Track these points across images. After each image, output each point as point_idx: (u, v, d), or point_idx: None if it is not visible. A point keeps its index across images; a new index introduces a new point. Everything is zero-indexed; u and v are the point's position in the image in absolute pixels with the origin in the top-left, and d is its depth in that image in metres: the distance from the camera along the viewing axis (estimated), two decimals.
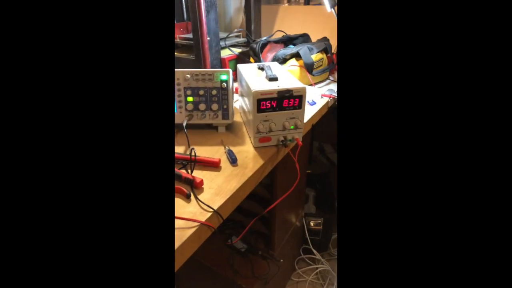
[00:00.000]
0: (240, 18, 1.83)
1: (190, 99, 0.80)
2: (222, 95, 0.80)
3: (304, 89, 0.70)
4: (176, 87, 0.80)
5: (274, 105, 0.70)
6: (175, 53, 1.47)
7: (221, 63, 1.26)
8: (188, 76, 0.79)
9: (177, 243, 0.48)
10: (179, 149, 0.75)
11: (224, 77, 0.79)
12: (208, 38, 1.10)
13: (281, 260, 1.19)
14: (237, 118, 0.92)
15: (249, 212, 1.14)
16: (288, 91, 0.69)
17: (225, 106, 0.81)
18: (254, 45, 1.19)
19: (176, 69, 0.80)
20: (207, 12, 1.06)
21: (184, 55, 1.39)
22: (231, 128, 0.86)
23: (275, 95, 0.69)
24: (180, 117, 0.82)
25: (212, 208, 0.55)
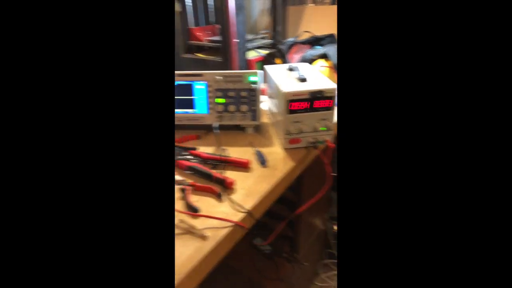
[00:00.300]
0: (265, 20, 1.84)
1: (220, 100, 0.81)
2: (251, 96, 0.80)
3: (335, 90, 0.69)
4: (208, 89, 0.82)
5: (305, 106, 0.69)
6: (202, 55, 1.50)
7: (247, 65, 1.27)
8: (219, 77, 0.80)
9: (211, 243, 0.48)
10: (208, 149, 0.76)
11: (253, 78, 0.79)
12: (237, 40, 1.11)
13: (306, 264, 1.17)
14: (264, 119, 0.92)
15: (273, 214, 1.14)
16: (320, 92, 0.68)
17: (253, 107, 0.81)
18: (281, 46, 1.18)
19: (207, 71, 0.82)
20: (236, 14, 1.07)
21: (210, 57, 1.42)
22: (258, 129, 0.86)
23: (306, 96, 0.68)
24: (211, 118, 0.83)
25: (245, 209, 0.55)
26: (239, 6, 1.08)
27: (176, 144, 0.78)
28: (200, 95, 0.83)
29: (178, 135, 0.84)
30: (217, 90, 0.81)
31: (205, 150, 0.74)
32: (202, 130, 0.86)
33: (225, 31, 1.09)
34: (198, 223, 0.52)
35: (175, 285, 0.42)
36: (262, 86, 0.96)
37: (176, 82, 0.83)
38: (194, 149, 0.74)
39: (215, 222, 0.52)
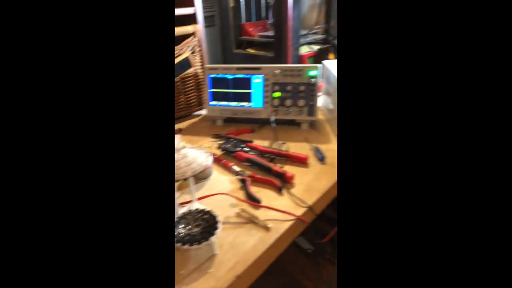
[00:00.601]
0: (314, 15, 1.80)
1: (276, 94, 0.81)
2: (310, 91, 0.79)
3: None
4: (265, 82, 0.82)
5: None
6: (252, 51, 1.52)
7: (300, 60, 1.25)
8: (277, 71, 0.80)
9: (275, 235, 0.48)
10: (264, 143, 0.76)
11: (313, 73, 0.78)
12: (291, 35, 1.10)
13: None
14: (318, 115, 0.90)
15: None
16: None
17: (311, 102, 0.80)
18: (336, 41, 1.15)
19: (265, 65, 0.82)
20: (292, 9, 1.06)
21: (261, 53, 1.43)
22: (314, 125, 0.84)
23: None
24: (265, 112, 0.83)
25: (307, 204, 0.54)
26: (296, 1, 1.07)
27: (232, 136, 0.80)
28: (256, 89, 0.83)
29: (233, 128, 0.86)
30: (275, 84, 0.81)
31: (260, 143, 0.75)
32: (256, 123, 0.86)
33: (281, 26, 1.08)
34: (259, 214, 0.53)
35: (241, 272, 0.42)
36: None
37: (234, 75, 0.84)
38: (250, 142, 0.75)
39: (277, 215, 0.52)
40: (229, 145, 0.74)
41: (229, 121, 0.90)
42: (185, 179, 0.40)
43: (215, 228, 0.45)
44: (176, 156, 0.41)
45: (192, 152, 0.42)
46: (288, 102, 0.80)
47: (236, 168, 0.66)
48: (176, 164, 0.40)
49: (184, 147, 0.43)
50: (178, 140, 0.80)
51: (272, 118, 0.79)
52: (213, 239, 0.43)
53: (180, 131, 0.87)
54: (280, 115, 0.82)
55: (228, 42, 1.45)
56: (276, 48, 1.17)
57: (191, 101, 0.96)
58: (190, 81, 0.92)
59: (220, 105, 0.88)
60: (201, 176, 0.64)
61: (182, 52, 0.85)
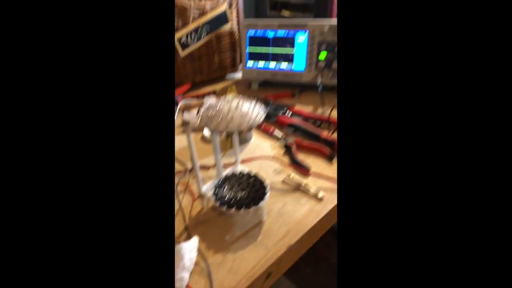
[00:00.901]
0: None
1: (322, 55, 0.72)
2: None
3: None
4: (309, 42, 0.73)
5: None
6: (288, 13, 1.40)
7: None
8: (326, 28, 0.70)
9: (329, 206, 0.43)
10: (308, 109, 0.69)
11: None
12: None
13: None
14: None
15: None
16: None
17: None
18: None
19: (312, 19, 0.73)
20: None
21: (298, 15, 1.31)
22: None
23: None
24: (308, 76, 0.75)
25: None
26: None
27: (271, 99, 0.73)
28: (299, 49, 0.75)
29: (270, 92, 0.79)
30: (321, 43, 0.72)
31: (301, 109, 0.68)
32: (295, 87, 0.79)
33: None
34: (307, 183, 0.47)
35: (294, 243, 0.38)
36: None
37: (275, 34, 0.76)
38: (293, 106, 0.69)
39: (327, 186, 0.46)
40: (269, 109, 0.67)
41: (265, 84, 0.83)
42: (241, 132, 0.35)
43: (264, 193, 0.40)
44: (227, 106, 0.35)
45: (244, 104, 0.36)
46: (335, 64, 0.72)
47: (278, 133, 0.60)
48: (229, 115, 0.34)
49: (233, 98, 0.37)
50: (213, 99, 0.74)
51: (319, 81, 0.71)
52: (262, 204, 0.38)
53: (215, 93, 0.81)
54: (325, 80, 0.74)
55: (262, 3, 1.34)
56: (318, 9, 1.06)
57: (225, 62, 0.89)
58: (225, 40, 0.85)
59: (257, 67, 0.80)
60: (241, 139, 0.58)
61: (219, 5, 0.77)
